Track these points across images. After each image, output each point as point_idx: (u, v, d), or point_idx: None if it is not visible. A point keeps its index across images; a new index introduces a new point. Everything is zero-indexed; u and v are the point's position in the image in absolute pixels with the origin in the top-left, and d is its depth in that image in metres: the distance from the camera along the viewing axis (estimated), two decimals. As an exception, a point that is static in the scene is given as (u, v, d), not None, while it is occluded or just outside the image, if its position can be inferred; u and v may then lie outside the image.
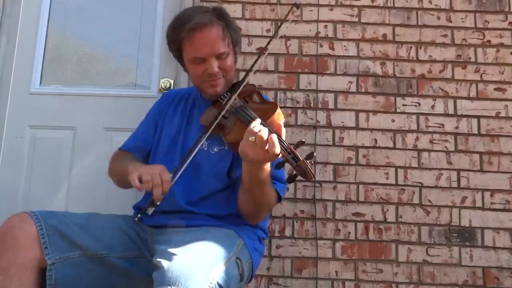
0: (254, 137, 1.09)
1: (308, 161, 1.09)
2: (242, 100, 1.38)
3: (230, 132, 1.32)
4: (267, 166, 1.21)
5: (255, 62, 1.41)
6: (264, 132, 1.10)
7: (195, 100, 1.56)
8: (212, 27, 1.38)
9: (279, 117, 1.27)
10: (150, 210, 1.22)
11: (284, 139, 1.16)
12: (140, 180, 1.20)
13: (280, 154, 1.12)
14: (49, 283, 1.20)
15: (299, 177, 1.12)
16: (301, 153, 1.13)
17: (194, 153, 1.28)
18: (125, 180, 1.35)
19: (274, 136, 1.09)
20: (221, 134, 1.35)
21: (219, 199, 1.39)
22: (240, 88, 1.35)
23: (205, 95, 1.47)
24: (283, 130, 1.19)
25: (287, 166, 1.16)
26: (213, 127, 1.31)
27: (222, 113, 1.32)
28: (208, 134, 1.31)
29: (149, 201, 1.23)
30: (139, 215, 1.24)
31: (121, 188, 1.53)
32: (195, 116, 1.51)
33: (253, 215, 1.38)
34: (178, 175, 1.26)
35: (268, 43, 1.38)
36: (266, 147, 1.09)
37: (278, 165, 1.13)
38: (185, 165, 1.27)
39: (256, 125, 1.13)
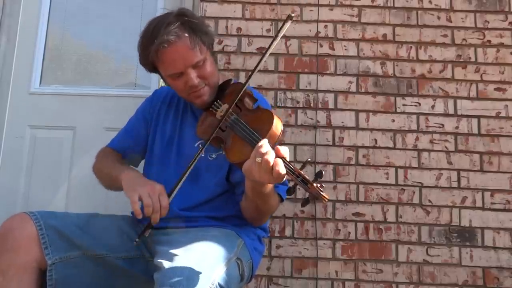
0: (260, 159, 1.05)
1: (319, 185, 1.06)
2: (234, 107, 1.32)
3: (232, 151, 1.26)
4: None
5: (250, 76, 1.34)
6: (270, 156, 1.05)
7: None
8: (179, 41, 1.30)
9: (278, 126, 1.22)
10: (148, 232, 1.22)
11: (289, 161, 1.10)
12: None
13: (289, 178, 1.08)
14: (49, 283, 1.19)
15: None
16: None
17: (190, 169, 1.26)
18: (115, 186, 1.35)
19: (280, 161, 1.05)
20: (221, 147, 1.32)
21: (218, 203, 1.38)
22: (235, 102, 1.30)
23: (195, 106, 1.44)
24: (287, 151, 1.11)
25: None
26: (208, 142, 1.29)
27: (216, 130, 1.28)
28: (204, 148, 1.29)
29: (147, 224, 1.22)
30: (137, 239, 1.22)
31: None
32: (189, 118, 1.48)
33: (256, 220, 1.38)
34: (173, 195, 1.25)
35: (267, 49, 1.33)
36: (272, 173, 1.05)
37: (289, 191, 1.10)
38: (181, 182, 1.25)
39: (264, 145, 1.08)
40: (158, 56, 1.32)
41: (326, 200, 1.06)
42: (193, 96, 1.38)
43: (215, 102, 1.39)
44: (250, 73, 1.33)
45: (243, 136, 1.23)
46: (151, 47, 1.30)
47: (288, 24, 1.23)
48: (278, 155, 1.07)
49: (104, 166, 1.47)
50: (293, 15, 1.23)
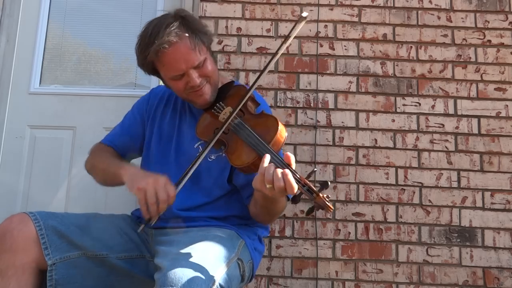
0: (271, 185, 1.05)
1: (325, 195, 1.06)
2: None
3: (235, 154, 1.25)
4: None
5: (257, 79, 1.32)
6: (279, 181, 1.04)
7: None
8: (180, 41, 1.29)
9: (282, 133, 1.23)
10: (154, 220, 1.20)
11: (294, 169, 1.10)
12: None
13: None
14: (49, 284, 1.19)
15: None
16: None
17: (195, 167, 1.26)
18: (112, 181, 1.35)
19: (291, 177, 1.05)
20: (222, 149, 1.30)
21: (219, 204, 1.38)
22: (240, 106, 1.28)
23: (195, 106, 1.41)
24: (292, 159, 1.12)
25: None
26: (211, 144, 1.26)
27: (219, 134, 1.26)
28: (207, 151, 1.26)
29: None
30: (143, 226, 1.22)
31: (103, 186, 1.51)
32: (187, 117, 1.47)
33: (266, 221, 1.40)
34: (180, 187, 1.24)
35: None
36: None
37: (294, 200, 1.10)
38: (187, 178, 1.24)
39: (268, 167, 1.08)
40: (159, 57, 1.30)
41: (331, 210, 1.07)
42: (194, 96, 1.36)
43: (217, 104, 1.37)
44: (257, 77, 1.31)
45: (248, 141, 1.22)
46: (151, 47, 1.28)
47: (302, 25, 1.25)
48: (287, 161, 1.09)
49: (99, 162, 1.45)
50: (304, 15, 1.22)
